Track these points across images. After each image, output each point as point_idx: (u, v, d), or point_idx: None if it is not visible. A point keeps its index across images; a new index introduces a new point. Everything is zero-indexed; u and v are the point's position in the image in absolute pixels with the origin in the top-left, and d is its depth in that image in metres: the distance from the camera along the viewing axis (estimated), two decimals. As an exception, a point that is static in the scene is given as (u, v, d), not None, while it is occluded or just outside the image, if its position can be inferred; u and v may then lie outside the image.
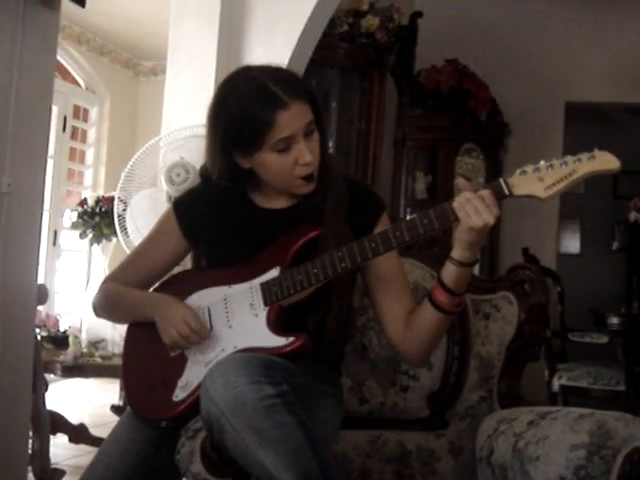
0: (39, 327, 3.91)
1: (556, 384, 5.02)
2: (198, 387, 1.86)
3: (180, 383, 1.94)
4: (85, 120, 6.59)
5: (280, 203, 2.10)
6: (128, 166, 3.25)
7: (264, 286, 1.96)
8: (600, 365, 5.05)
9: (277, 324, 1.92)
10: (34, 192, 2.69)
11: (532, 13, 6.41)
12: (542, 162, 1.80)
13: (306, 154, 1.95)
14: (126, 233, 3.24)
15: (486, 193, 1.82)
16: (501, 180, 1.82)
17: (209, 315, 1.99)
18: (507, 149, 6.31)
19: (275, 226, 2.05)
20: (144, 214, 3.10)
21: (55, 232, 5.53)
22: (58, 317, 4.43)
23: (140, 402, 2.02)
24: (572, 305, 5.27)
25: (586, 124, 7.51)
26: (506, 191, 1.80)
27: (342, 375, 2.24)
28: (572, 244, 8.31)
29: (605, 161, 1.79)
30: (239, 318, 1.96)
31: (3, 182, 2.47)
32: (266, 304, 1.94)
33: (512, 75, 6.30)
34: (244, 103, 1.93)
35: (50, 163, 5.85)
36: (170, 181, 3.09)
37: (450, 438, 2.45)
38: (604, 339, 4.97)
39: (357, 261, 1.89)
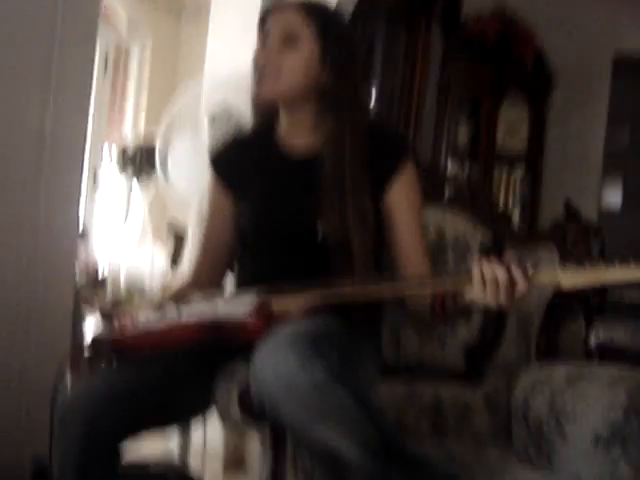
0: (79, 269, 3.92)
1: (593, 341, 4.98)
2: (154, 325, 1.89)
3: None
4: (127, 61, 6.56)
5: (302, 144, 2.07)
6: (170, 106, 3.23)
7: (268, 287, 1.90)
8: (639, 321, 5.00)
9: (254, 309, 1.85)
10: (77, 132, 2.68)
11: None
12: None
13: (260, 48, 2.01)
14: (167, 175, 3.22)
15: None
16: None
17: None
18: (552, 100, 6.19)
19: (296, 174, 2.05)
20: (186, 157, 3.08)
21: (95, 171, 5.53)
22: (96, 259, 4.45)
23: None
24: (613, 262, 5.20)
25: (635, 77, 7.35)
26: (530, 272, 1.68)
27: (382, 329, 2.22)
28: (615, 199, 8.19)
29: None
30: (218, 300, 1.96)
31: (47, 121, 2.47)
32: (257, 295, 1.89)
33: (560, 23, 6.16)
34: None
35: (91, 103, 5.85)
36: (212, 123, 3.07)
37: (486, 392, 2.44)
38: (644, 296, 4.92)
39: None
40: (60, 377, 1.87)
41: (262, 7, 2.10)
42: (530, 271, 1.68)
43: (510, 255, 1.71)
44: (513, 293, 1.67)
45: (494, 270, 1.68)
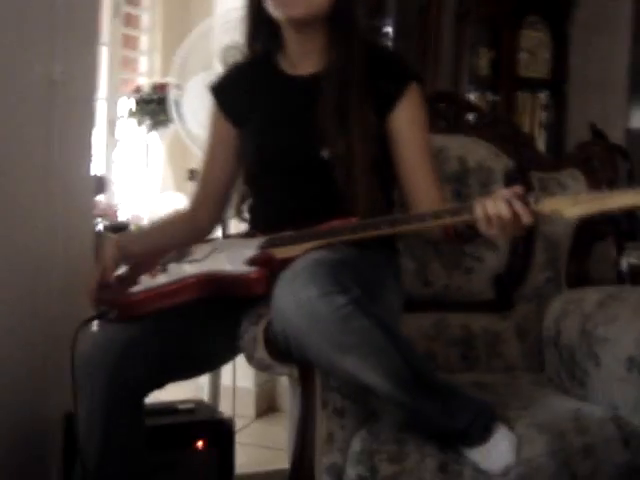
0: (101, 217, 3.91)
1: (625, 263, 4.93)
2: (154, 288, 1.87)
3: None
4: (138, 5, 6.48)
5: (306, 67, 2.05)
6: (181, 50, 3.18)
7: (269, 239, 1.90)
8: (670, 242, 4.95)
9: (255, 263, 1.84)
10: (87, 80, 2.63)
11: None
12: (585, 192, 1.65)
13: None
14: (183, 119, 3.19)
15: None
16: (533, 193, 1.68)
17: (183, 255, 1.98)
18: (573, 21, 6.07)
19: (301, 95, 2.02)
20: (200, 98, 3.02)
21: (112, 122, 5.49)
22: (117, 207, 4.43)
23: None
24: (641, 182, 5.13)
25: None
26: (531, 201, 1.65)
27: (399, 252, 2.18)
28: (641, 119, 8.07)
29: None
30: (221, 255, 1.94)
31: (55, 70, 2.42)
32: (258, 248, 1.89)
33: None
34: None
35: (104, 51, 5.78)
36: (225, 63, 3.02)
37: (516, 320, 2.42)
38: (676, 216, 4.85)
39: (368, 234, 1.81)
40: (82, 326, 1.85)
41: None
42: (532, 203, 1.64)
43: (514, 189, 1.67)
44: (519, 226, 1.66)
45: (496, 207, 1.66)
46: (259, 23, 2.06)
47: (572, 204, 1.59)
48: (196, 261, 1.93)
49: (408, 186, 2.02)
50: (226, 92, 2.16)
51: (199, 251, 1.98)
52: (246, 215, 2.17)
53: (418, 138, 2.02)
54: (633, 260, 4.91)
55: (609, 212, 1.60)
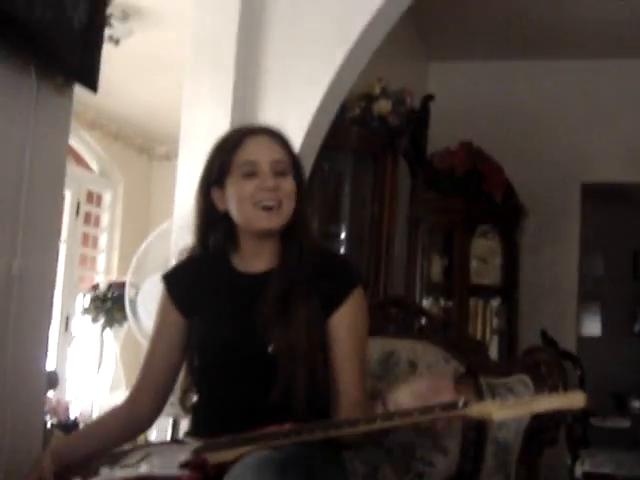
0: (49, 414, 3.86)
1: (579, 470, 4.91)
2: None
3: None
4: (98, 205, 6.62)
5: (258, 266, 2.12)
6: (140, 250, 3.24)
7: (204, 444, 1.90)
8: (623, 450, 4.95)
9: (188, 467, 1.83)
10: (46, 277, 2.67)
11: (546, 94, 6.43)
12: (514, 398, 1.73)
13: (269, 180, 2.03)
14: (137, 318, 3.21)
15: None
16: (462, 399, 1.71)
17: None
18: (524, 231, 6.27)
19: (251, 292, 2.06)
20: (156, 299, 3.07)
21: (67, 318, 5.50)
22: (69, 404, 4.38)
23: None
24: (593, 389, 5.15)
25: (603, 204, 7.49)
26: (460, 404, 1.68)
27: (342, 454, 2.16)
28: (593, 327, 8.22)
29: (572, 400, 1.62)
30: (154, 459, 1.93)
31: (14, 266, 2.46)
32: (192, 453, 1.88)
33: (527, 157, 6.30)
34: (221, 138, 2.15)
35: (63, 248, 5.84)
36: (181, 264, 3.07)
37: (467, 526, 2.38)
38: (627, 423, 4.88)
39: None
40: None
41: (234, 133, 2.15)
42: (461, 407, 1.67)
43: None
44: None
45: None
46: (213, 223, 2.14)
47: (499, 408, 1.63)
48: (128, 466, 1.91)
49: (332, 381, 2.04)
50: (178, 282, 2.20)
51: (133, 455, 1.96)
52: (189, 407, 2.16)
53: (351, 339, 2.06)
54: (587, 468, 4.89)
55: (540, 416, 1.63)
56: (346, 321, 2.05)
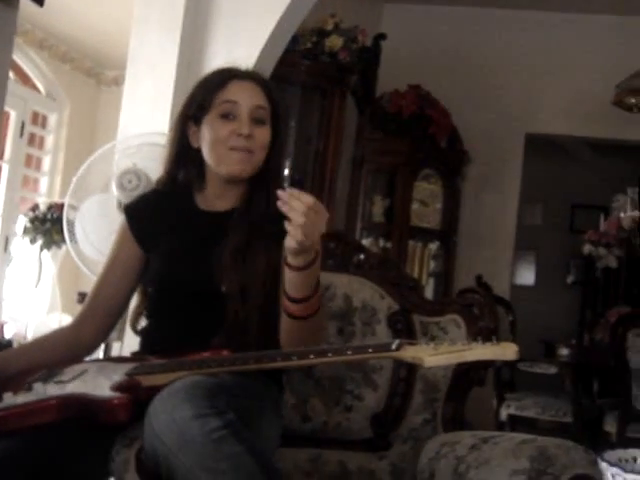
0: (-17, 333, 3.85)
1: (504, 413, 5.02)
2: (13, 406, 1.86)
3: None
4: (43, 127, 6.51)
5: (220, 205, 2.14)
6: (80, 171, 3.21)
7: (137, 367, 1.91)
8: (548, 396, 5.06)
9: (120, 389, 1.83)
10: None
11: (497, 43, 6.45)
12: (447, 342, 1.69)
13: (245, 127, 2.04)
14: (75, 239, 3.19)
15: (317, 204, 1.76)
16: (396, 341, 1.72)
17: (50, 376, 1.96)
18: (466, 177, 6.33)
19: (210, 230, 2.08)
20: (94, 220, 3.06)
21: (7, 238, 5.44)
22: (4, 324, 4.35)
23: None
24: (524, 335, 5.26)
25: (545, 156, 7.57)
26: (393, 347, 1.69)
27: (284, 389, 2.20)
28: (527, 276, 8.35)
29: (504, 351, 1.64)
30: (88, 377, 1.93)
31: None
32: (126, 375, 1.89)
33: (474, 104, 6.33)
34: (206, 76, 2.14)
35: (5, 169, 5.77)
36: (121, 187, 3.05)
37: (392, 460, 2.43)
38: (553, 370, 4.98)
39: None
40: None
41: (219, 73, 2.13)
42: (394, 348, 1.68)
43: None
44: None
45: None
46: (185, 157, 2.15)
47: (432, 353, 1.63)
48: (62, 382, 1.91)
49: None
50: (139, 215, 2.20)
51: (68, 372, 1.96)
52: (139, 329, 2.17)
53: None
54: (512, 411, 5.00)
55: (469, 363, 1.65)
56: None
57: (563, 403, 4.84)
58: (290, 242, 1.75)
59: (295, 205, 1.71)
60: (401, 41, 5.99)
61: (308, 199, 1.72)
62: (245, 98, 2.06)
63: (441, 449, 2.23)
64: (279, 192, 1.73)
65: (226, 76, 2.10)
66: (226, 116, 2.05)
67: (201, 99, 2.08)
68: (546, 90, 6.42)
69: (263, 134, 2.08)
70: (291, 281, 1.85)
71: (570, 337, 5.58)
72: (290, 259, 1.81)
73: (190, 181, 2.17)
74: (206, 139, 2.08)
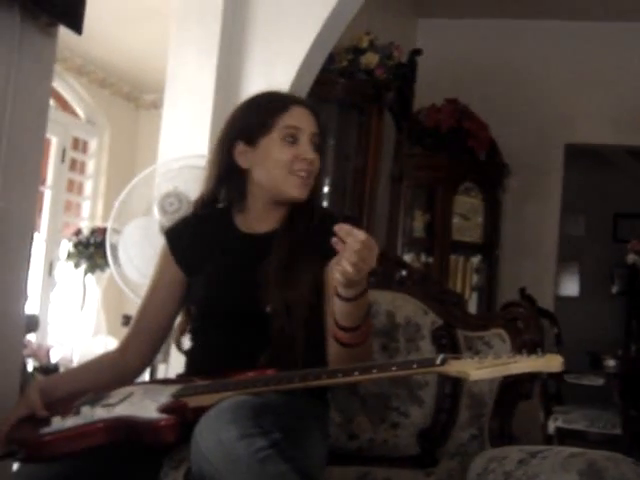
0: (30, 357, 3.88)
1: (552, 426, 4.97)
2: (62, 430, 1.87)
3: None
4: (84, 152, 6.59)
5: (261, 227, 2.15)
6: (122, 195, 3.24)
7: (183, 388, 1.93)
8: (597, 408, 5.01)
9: (167, 411, 1.84)
10: (26, 220, 2.67)
11: (533, 54, 6.43)
12: (492, 356, 1.68)
13: (309, 152, 2.08)
14: (118, 263, 3.22)
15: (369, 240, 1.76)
16: (441, 356, 1.72)
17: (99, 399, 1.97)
18: (506, 189, 6.29)
19: (252, 253, 2.09)
20: (137, 244, 3.08)
21: (51, 263, 5.50)
22: (50, 348, 4.39)
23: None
24: (569, 347, 5.22)
25: (586, 166, 7.51)
26: (438, 361, 1.69)
27: (329, 406, 2.20)
28: (571, 287, 8.28)
29: (549, 363, 1.63)
30: (135, 400, 1.94)
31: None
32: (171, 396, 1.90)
33: (512, 116, 6.30)
34: (260, 98, 2.15)
35: (48, 194, 5.84)
36: (163, 210, 3.08)
37: (440, 477, 2.41)
38: (600, 381, 4.93)
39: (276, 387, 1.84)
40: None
41: (277, 96, 2.17)
42: (438, 363, 1.68)
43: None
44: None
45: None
46: (228, 177, 2.16)
47: (477, 367, 1.63)
48: (109, 405, 1.93)
49: (326, 329, 2.05)
50: (180, 239, 2.22)
51: (115, 395, 1.98)
52: (183, 348, 2.20)
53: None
54: (560, 424, 4.95)
55: (514, 376, 1.63)
56: None
57: (611, 415, 4.78)
58: (341, 276, 1.76)
59: (349, 242, 1.72)
60: (436, 56, 5.98)
61: (361, 236, 1.73)
62: (307, 124, 2.10)
63: (489, 465, 2.21)
64: (335, 228, 1.74)
65: (287, 100, 2.13)
66: (289, 140, 2.07)
67: (260, 120, 2.09)
68: (585, 100, 6.38)
69: (318, 160, 2.12)
70: (341, 311, 1.86)
71: (616, 348, 5.51)
72: (340, 290, 1.82)
73: (230, 202, 2.19)
74: (264, 161, 2.09)
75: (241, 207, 2.17)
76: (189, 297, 2.18)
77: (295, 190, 2.08)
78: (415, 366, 1.73)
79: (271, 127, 2.07)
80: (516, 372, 1.64)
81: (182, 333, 2.21)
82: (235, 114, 2.16)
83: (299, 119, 2.09)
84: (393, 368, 1.75)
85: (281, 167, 2.07)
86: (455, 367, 1.67)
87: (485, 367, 1.62)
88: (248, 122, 2.11)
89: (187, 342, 2.21)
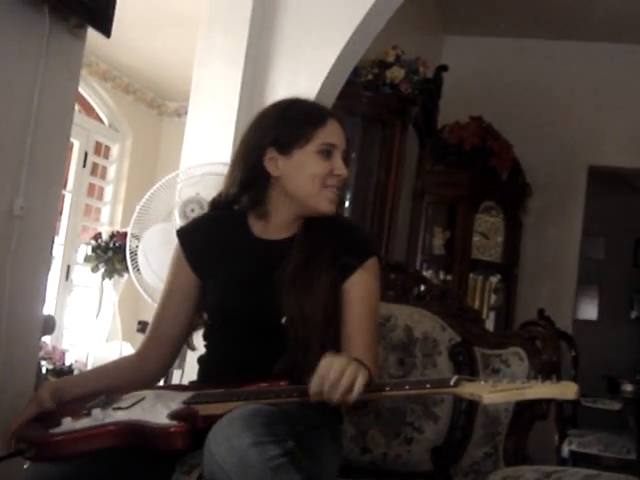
0: (45, 359, 3.88)
1: (566, 449, 4.93)
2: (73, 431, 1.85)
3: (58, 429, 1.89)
4: (106, 157, 6.61)
5: (277, 234, 2.13)
6: (143, 200, 3.24)
7: (195, 395, 1.91)
8: (612, 432, 4.97)
9: (177, 417, 1.82)
10: (46, 219, 2.67)
11: (559, 75, 6.41)
12: (506, 380, 1.65)
13: (343, 168, 2.06)
14: (138, 268, 3.21)
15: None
16: (455, 377, 1.69)
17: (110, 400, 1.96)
18: (528, 210, 6.27)
19: (267, 259, 2.08)
20: (156, 249, 3.07)
21: (68, 267, 5.50)
22: (65, 351, 4.40)
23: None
24: (586, 370, 5.19)
25: (609, 189, 7.48)
26: (451, 383, 1.67)
27: (343, 419, 2.18)
28: (590, 310, 8.23)
29: (564, 391, 1.60)
30: (147, 405, 1.93)
31: (16, 205, 2.45)
32: (183, 403, 1.89)
33: (536, 136, 6.29)
34: (297, 107, 2.12)
35: (68, 198, 5.86)
36: (184, 216, 3.07)
37: (453, 494, 2.40)
38: (617, 406, 4.89)
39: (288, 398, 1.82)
40: None
41: (315, 108, 2.14)
42: (452, 384, 1.66)
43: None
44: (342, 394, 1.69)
45: (330, 368, 1.70)
46: (253, 181, 2.12)
47: (491, 391, 1.60)
48: (121, 409, 1.91)
49: (343, 349, 2.04)
50: (193, 241, 2.19)
51: (127, 399, 1.96)
52: (193, 346, 2.20)
53: (364, 309, 2.06)
54: (575, 448, 4.91)
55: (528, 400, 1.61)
56: (359, 287, 2.06)
57: (627, 440, 4.74)
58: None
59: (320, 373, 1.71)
60: (462, 73, 5.97)
61: (322, 371, 1.71)
62: (340, 140, 2.08)
63: (503, 483, 2.20)
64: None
65: (325, 113, 2.11)
66: (324, 154, 2.05)
67: (298, 132, 2.06)
68: (609, 122, 6.36)
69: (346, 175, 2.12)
70: None
71: (634, 373, 5.47)
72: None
73: (248, 207, 2.17)
74: (297, 172, 2.07)
75: (261, 213, 2.13)
76: (203, 300, 2.15)
77: (326, 205, 2.07)
78: (428, 386, 1.71)
79: (309, 140, 2.05)
80: (530, 398, 1.61)
81: (193, 330, 2.20)
82: (269, 120, 2.12)
83: (334, 134, 2.07)
84: (406, 387, 1.74)
85: (315, 180, 2.05)
86: (468, 389, 1.64)
87: (499, 391, 1.60)
88: (284, 131, 2.08)
89: (197, 342, 2.20)
